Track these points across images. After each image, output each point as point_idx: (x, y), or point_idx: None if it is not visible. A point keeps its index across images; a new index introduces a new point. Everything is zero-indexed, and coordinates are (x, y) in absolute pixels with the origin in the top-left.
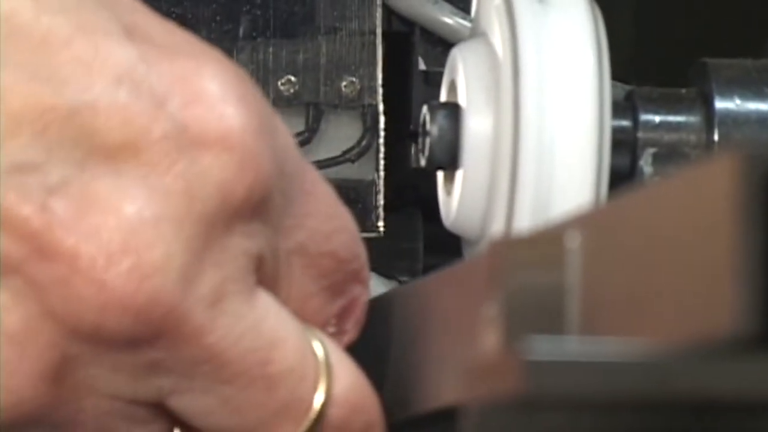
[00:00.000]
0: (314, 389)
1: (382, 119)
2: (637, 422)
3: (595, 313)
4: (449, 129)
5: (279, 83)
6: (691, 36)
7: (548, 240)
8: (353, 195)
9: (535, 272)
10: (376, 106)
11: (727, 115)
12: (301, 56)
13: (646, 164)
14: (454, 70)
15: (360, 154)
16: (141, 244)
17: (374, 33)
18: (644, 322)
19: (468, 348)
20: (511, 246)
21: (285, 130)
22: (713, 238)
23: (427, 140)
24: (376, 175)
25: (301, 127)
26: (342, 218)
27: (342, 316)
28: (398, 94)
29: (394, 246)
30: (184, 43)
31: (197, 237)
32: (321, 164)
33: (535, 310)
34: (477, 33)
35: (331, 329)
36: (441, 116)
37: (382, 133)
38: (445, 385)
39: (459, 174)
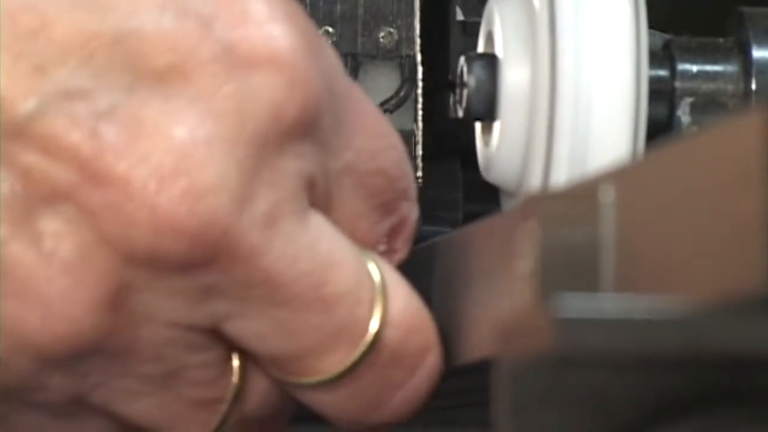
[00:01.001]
0: (370, 311)
1: (420, 70)
2: (669, 379)
3: (628, 269)
4: (486, 80)
5: None
6: None
7: (582, 195)
8: None
9: (569, 227)
10: (413, 57)
11: (765, 63)
12: (338, 7)
13: (683, 114)
14: (491, 21)
15: (398, 105)
16: (193, 166)
17: None
18: (677, 279)
19: (503, 303)
20: (544, 201)
21: (330, 50)
22: (745, 192)
23: (465, 91)
24: (414, 126)
25: None
26: (389, 136)
27: (392, 234)
28: (436, 45)
29: (433, 195)
30: None
31: (250, 158)
32: None
33: (569, 266)
34: None
35: (382, 247)
36: (478, 67)
37: (420, 84)
38: (480, 339)
39: (496, 125)
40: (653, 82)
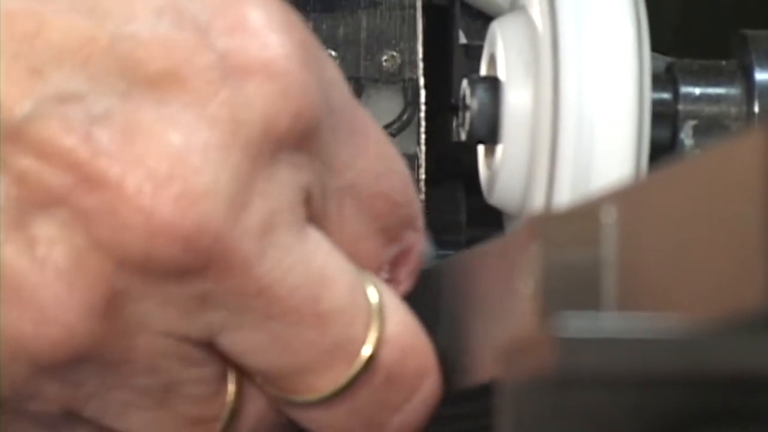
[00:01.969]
0: (366, 331)
1: (422, 93)
2: (672, 399)
3: (630, 289)
4: (489, 103)
5: None
6: (732, 8)
7: (584, 215)
8: None
9: (571, 248)
10: (416, 80)
11: None
12: (341, 30)
13: (686, 137)
14: (493, 44)
15: (401, 129)
16: (187, 171)
17: (414, 7)
18: (679, 298)
19: (506, 325)
20: (546, 222)
21: (333, 65)
22: (746, 212)
23: (467, 114)
24: (417, 149)
25: None
26: (394, 160)
27: (396, 263)
28: (439, 68)
29: (436, 219)
30: None
31: (244, 165)
32: None
33: (571, 286)
34: (516, 6)
35: (385, 275)
36: (481, 90)
37: (423, 107)
38: (483, 361)
39: (499, 148)
40: (656, 104)
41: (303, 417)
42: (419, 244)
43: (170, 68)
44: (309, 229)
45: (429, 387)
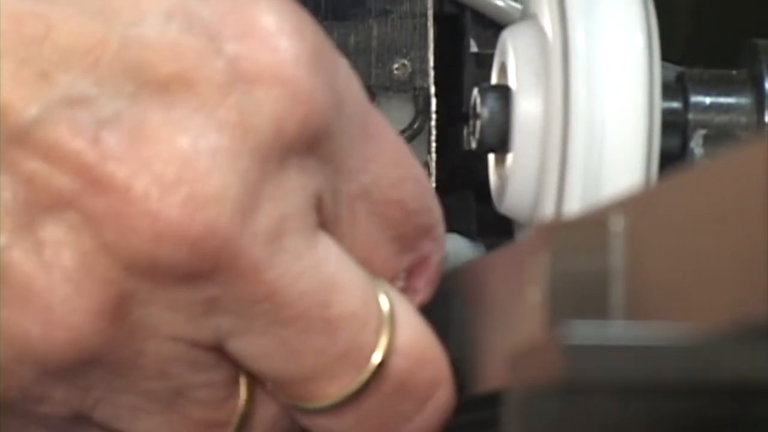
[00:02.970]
0: (376, 338)
1: (433, 102)
2: (678, 407)
3: (637, 297)
4: (500, 112)
5: None
6: (743, 18)
7: (592, 224)
8: None
9: (580, 256)
10: (427, 89)
11: None
12: (352, 39)
13: (696, 146)
14: (504, 53)
15: (412, 137)
16: (195, 175)
17: (425, 15)
18: (687, 306)
19: (515, 332)
20: (555, 230)
21: (347, 70)
22: (753, 220)
23: (478, 123)
24: (428, 158)
25: None
26: (411, 167)
27: (412, 272)
28: (450, 77)
29: (447, 227)
30: None
31: (252, 170)
32: None
33: (579, 294)
34: (527, 15)
35: (400, 284)
36: (491, 99)
37: (434, 116)
38: (493, 369)
39: (509, 157)
40: (666, 114)
41: (313, 424)
42: (437, 253)
43: (179, 72)
44: (320, 234)
45: (441, 398)
